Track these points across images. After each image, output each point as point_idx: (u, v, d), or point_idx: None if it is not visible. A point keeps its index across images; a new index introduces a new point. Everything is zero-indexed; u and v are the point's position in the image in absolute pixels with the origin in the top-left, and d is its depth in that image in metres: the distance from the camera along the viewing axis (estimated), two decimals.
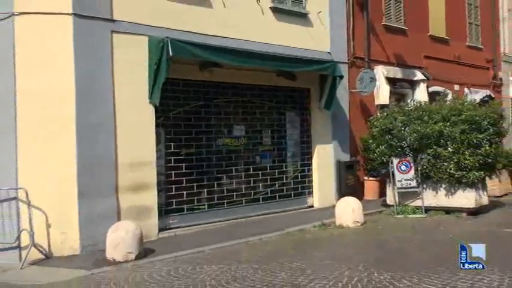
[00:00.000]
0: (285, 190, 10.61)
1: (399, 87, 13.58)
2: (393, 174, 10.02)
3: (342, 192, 10.89)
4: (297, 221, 9.27)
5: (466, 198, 9.60)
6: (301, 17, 10.69)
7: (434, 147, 9.72)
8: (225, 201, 9.54)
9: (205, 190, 9.28)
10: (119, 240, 6.70)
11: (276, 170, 10.50)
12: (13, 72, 7.14)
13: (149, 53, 8.08)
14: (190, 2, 8.73)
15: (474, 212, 9.68)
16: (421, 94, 13.51)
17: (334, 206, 9.32)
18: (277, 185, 10.46)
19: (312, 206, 10.98)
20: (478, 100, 14.82)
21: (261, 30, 9.81)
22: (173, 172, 8.75)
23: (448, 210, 9.75)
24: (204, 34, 8.81)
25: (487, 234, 7.97)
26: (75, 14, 7.29)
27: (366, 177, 11.99)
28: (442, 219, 9.39)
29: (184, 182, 8.89)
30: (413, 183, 9.87)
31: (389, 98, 12.60)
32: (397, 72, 13.24)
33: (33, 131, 7.17)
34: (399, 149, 10.13)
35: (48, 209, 7.13)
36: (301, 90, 10.90)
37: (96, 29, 7.53)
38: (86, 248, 7.22)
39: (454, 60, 15.59)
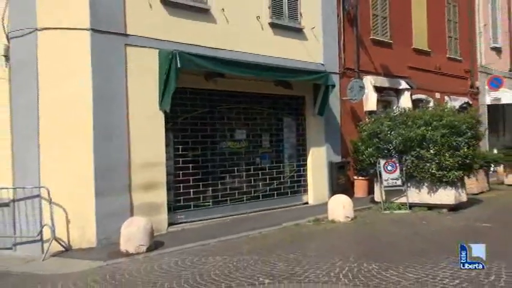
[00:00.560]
0: (282, 188, 10.61)
1: (386, 95, 13.60)
2: (380, 173, 10.01)
3: (334, 190, 10.86)
4: (293, 216, 9.25)
5: (446, 195, 9.58)
6: (297, 32, 10.70)
7: (418, 149, 9.70)
8: (228, 198, 9.53)
9: (210, 188, 9.27)
10: (132, 234, 6.70)
11: (274, 170, 10.50)
12: (36, 81, 7.16)
13: (159, 64, 8.09)
14: (196, 18, 8.75)
15: (454, 208, 9.67)
16: (405, 101, 13.53)
17: (327, 203, 9.29)
18: (275, 184, 10.46)
19: (307, 203, 10.96)
20: (457, 107, 14.89)
21: (261, 44, 9.83)
22: (181, 172, 8.74)
23: (431, 207, 9.72)
24: (210, 47, 8.83)
25: (466, 228, 7.98)
26: (92, 29, 7.31)
27: (355, 177, 11.98)
28: (425, 214, 9.37)
29: (191, 181, 8.89)
30: (399, 182, 9.85)
31: (377, 105, 12.64)
32: (383, 82, 13.26)
33: (54, 135, 7.17)
34: (386, 151, 10.11)
35: (67, 206, 7.13)
36: (297, 98, 10.90)
37: (111, 43, 7.55)
38: (101, 241, 7.22)
39: (435, 70, 15.58)
